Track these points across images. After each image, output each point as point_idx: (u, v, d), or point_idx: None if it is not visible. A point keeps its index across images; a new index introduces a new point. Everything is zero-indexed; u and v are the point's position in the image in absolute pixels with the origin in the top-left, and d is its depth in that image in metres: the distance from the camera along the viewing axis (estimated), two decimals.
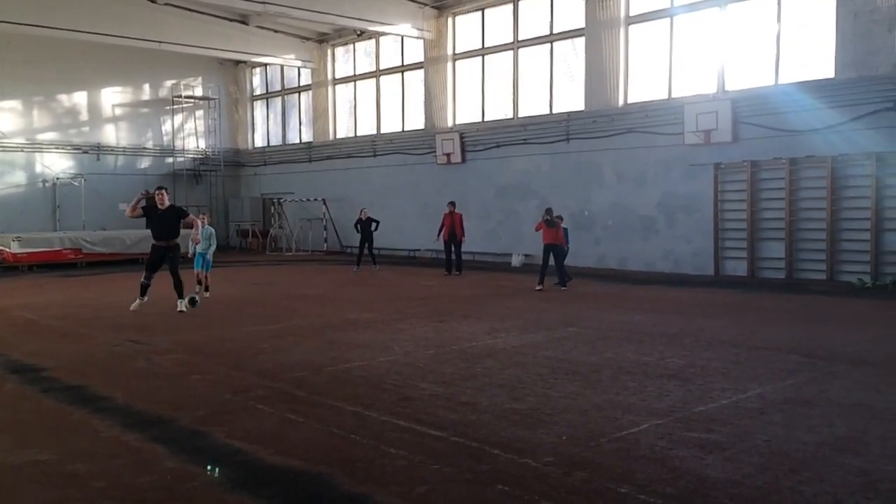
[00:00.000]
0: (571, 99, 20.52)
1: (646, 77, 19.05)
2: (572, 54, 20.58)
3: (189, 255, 13.61)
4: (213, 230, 14.06)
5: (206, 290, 13.82)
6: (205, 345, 9.33)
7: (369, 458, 5.02)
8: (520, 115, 21.74)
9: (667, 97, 18.43)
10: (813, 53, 16.05)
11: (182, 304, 11.69)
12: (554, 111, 20.89)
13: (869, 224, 15.01)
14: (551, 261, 15.26)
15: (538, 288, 14.96)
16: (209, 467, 4.93)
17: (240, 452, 5.16)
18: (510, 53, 21.89)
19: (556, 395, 6.66)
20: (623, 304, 13.00)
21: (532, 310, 12.30)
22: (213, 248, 13.91)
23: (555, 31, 20.77)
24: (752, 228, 16.75)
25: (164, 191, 11.67)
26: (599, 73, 19.44)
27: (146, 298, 11.75)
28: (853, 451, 5.08)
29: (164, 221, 11.60)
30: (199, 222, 12.75)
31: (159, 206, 11.54)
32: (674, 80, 18.37)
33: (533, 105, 21.51)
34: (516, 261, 20.89)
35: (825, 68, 15.77)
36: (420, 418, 5.90)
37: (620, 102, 19.27)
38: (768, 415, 5.99)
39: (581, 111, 20.01)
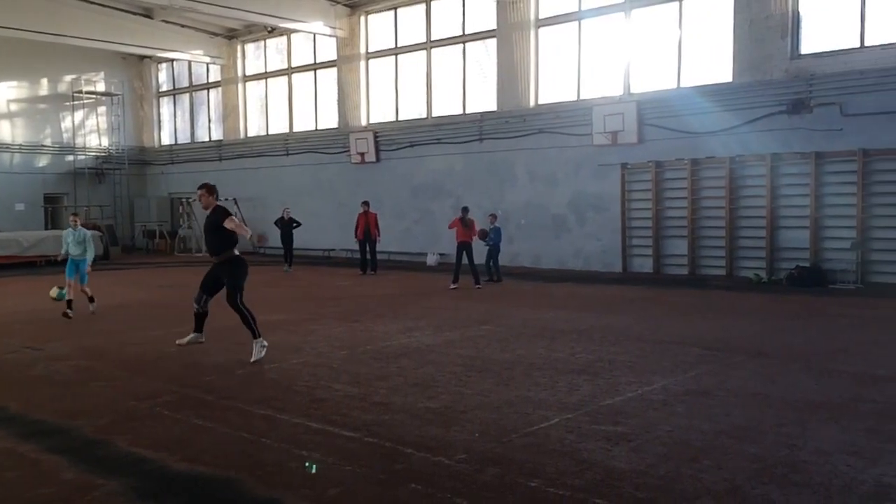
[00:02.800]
0: (484, 99, 20.75)
1: (556, 79, 19.45)
2: (484, 55, 20.82)
3: (60, 258, 12.06)
4: (88, 233, 11.94)
5: (91, 300, 11.94)
6: (107, 350, 8.99)
7: (280, 461, 4.94)
8: (433, 114, 21.84)
9: (576, 99, 18.86)
10: (712, 58, 16.72)
11: (258, 348, 8.21)
12: (467, 111, 21.08)
13: (764, 222, 15.77)
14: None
15: (453, 287, 15.08)
16: (307, 464, 4.83)
17: (144, 461, 4.99)
18: (423, 53, 21.94)
19: (469, 392, 6.72)
20: (535, 302, 13.23)
21: (447, 308, 12.37)
22: (91, 255, 11.83)
23: (467, 32, 20.96)
24: (657, 227, 17.34)
25: (202, 190, 8.67)
26: (511, 74, 19.73)
27: (202, 336, 8.76)
28: (750, 438, 5.32)
29: (207, 229, 8.61)
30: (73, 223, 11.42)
31: (203, 209, 8.80)
32: (582, 83, 18.82)
33: (446, 105, 21.64)
34: (431, 260, 20.97)
35: (723, 73, 16.47)
36: (333, 419, 5.85)
37: (531, 103, 19.61)
38: (671, 406, 6.21)
39: (493, 111, 20.26)
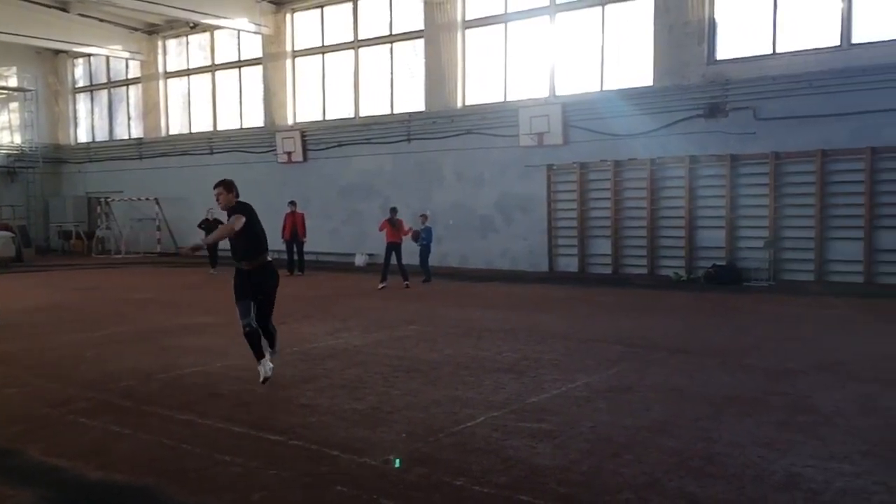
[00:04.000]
0: (412, 99, 20.76)
1: (483, 80, 19.62)
2: (412, 55, 20.83)
3: None
4: None
5: None
6: (20, 355, 8.61)
7: (202, 467, 4.84)
8: (361, 114, 21.73)
9: (503, 100, 19.07)
10: (634, 63, 17.16)
11: (265, 366, 7.01)
12: (395, 111, 21.05)
13: (683, 222, 16.27)
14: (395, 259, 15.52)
15: (381, 286, 15.04)
16: (392, 458, 4.78)
17: (58, 469, 4.82)
18: (351, 53, 21.81)
19: (396, 393, 6.72)
20: (463, 302, 13.32)
21: (374, 309, 12.33)
22: None
23: (394, 32, 20.93)
24: (583, 227, 17.69)
25: (220, 188, 7.20)
26: (438, 74, 19.80)
27: (273, 355, 7.32)
28: (668, 432, 5.48)
29: (236, 232, 7.11)
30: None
31: (222, 209, 7.35)
32: (509, 84, 19.04)
33: (375, 105, 21.56)
34: (360, 260, 20.86)
35: (645, 77, 16.91)
36: (257, 423, 5.76)
37: (459, 104, 19.73)
38: (594, 402, 6.35)
39: (422, 112, 20.30)
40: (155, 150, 26.52)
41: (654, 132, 16.53)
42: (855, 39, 14.52)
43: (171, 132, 26.65)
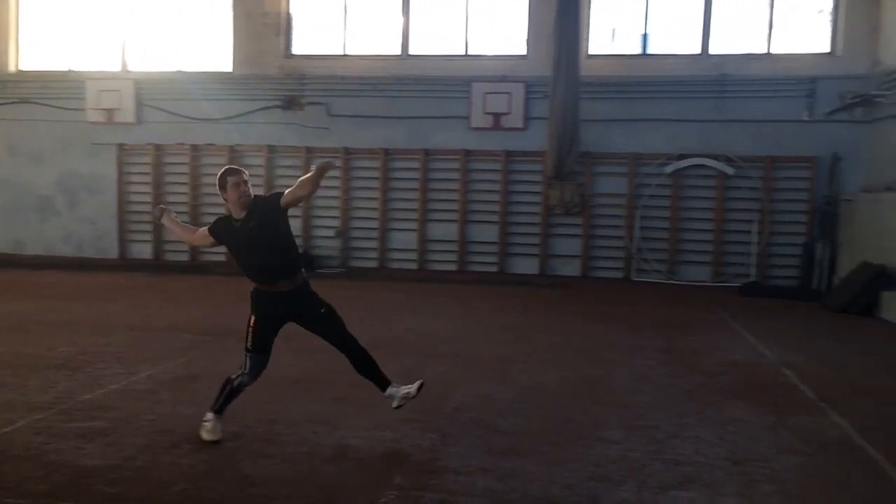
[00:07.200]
0: None
1: (43, 45, 17.47)
2: None
3: None
4: None
5: None
6: None
7: None
8: None
9: (67, 69, 17.24)
10: (214, 47, 16.83)
11: (401, 393, 5.28)
12: None
13: None
14: None
15: None
16: None
17: None
18: None
19: None
20: (14, 293, 11.84)
21: None
22: None
23: None
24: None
25: (242, 175, 5.09)
26: None
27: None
28: (234, 418, 5.48)
29: (256, 237, 5.04)
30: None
31: (242, 207, 5.04)
32: (75, 53, 17.27)
33: None
34: None
35: (225, 63, 16.73)
36: None
37: (12, 68, 17.34)
38: (157, 394, 6.15)
39: None
40: None
41: (234, 119, 16.44)
42: (411, 51, 16.21)
43: None
